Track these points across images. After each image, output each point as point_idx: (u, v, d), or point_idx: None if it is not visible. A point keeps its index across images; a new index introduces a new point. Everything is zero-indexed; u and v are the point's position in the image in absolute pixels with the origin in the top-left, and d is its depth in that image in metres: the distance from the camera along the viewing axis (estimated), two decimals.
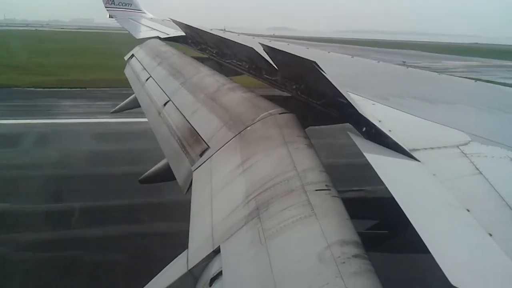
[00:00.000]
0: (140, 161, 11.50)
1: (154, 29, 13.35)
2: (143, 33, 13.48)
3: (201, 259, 2.34)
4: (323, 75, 3.18)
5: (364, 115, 3.02)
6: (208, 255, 2.33)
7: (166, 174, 4.32)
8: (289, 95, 4.74)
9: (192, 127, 4.33)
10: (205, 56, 9.00)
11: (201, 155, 3.71)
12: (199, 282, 2.29)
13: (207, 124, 4.18)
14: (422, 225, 1.78)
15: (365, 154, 2.49)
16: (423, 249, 1.62)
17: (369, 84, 4.91)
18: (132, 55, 10.33)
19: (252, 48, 4.95)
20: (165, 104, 5.51)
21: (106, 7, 18.51)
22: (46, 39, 75.22)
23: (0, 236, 8.85)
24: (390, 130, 2.77)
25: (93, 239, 8.88)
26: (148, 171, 5.14)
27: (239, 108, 4.14)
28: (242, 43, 5.57)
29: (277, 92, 5.15)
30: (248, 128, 3.57)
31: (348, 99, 3.14)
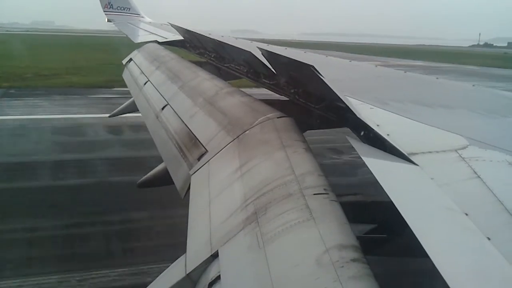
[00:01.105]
0: None
1: (152, 33, 13.35)
2: (142, 37, 13.49)
3: (199, 263, 2.33)
4: (321, 79, 3.18)
5: (363, 119, 3.02)
6: (206, 259, 2.32)
7: (164, 178, 4.31)
8: (287, 99, 4.74)
9: (190, 131, 4.33)
10: (203, 60, 9.01)
11: (199, 159, 3.70)
12: (197, 286, 2.28)
13: (205, 128, 4.17)
14: (421, 229, 1.77)
15: (363, 158, 2.49)
16: (421, 253, 1.62)
17: (368, 88, 4.92)
18: (130, 59, 10.34)
19: (250, 52, 4.95)
20: (163, 108, 5.51)
21: (104, 11, 18.50)
22: None
23: None
24: (388, 134, 2.77)
25: None
26: (146, 175, 5.13)
27: (237, 112, 4.14)
28: (240, 47, 5.58)
29: (275, 96, 5.15)
30: (246, 132, 3.56)
31: (347, 103, 3.14)
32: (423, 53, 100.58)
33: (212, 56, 8.35)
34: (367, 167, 2.39)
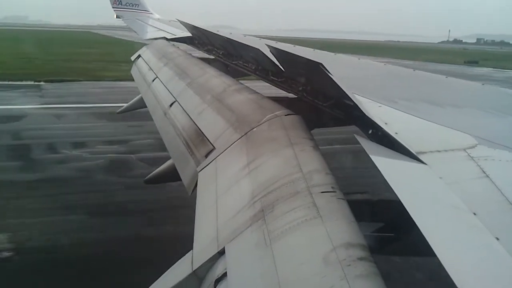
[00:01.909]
0: None
1: (161, 30, 13.37)
2: (150, 33, 13.52)
3: (205, 260, 2.34)
4: (330, 76, 3.17)
5: (371, 117, 3.01)
6: (213, 256, 2.33)
7: (172, 175, 4.33)
8: (295, 96, 4.74)
9: (198, 128, 4.34)
10: (212, 57, 9.02)
11: (206, 156, 3.71)
12: (203, 283, 2.29)
13: (213, 125, 4.18)
14: (428, 228, 1.77)
15: (371, 156, 2.48)
16: (429, 252, 1.62)
17: (376, 86, 4.90)
18: (139, 56, 10.37)
19: (258, 49, 4.95)
20: (171, 105, 5.52)
21: (113, 7, 18.52)
22: None
23: None
24: (396, 133, 2.76)
25: None
26: (154, 172, 5.16)
27: (245, 109, 4.14)
28: (249, 44, 5.58)
29: (283, 93, 5.15)
30: (254, 129, 3.57)
31: (355, 100, 3.13)
32: (380, 49, 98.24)
33: (220, 53, 8.35)
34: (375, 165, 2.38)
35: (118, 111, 11.22)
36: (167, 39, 11.34)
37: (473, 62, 65.76)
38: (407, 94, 4.30)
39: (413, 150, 2.52)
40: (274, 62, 4.68)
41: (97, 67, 37.38)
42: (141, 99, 7.98)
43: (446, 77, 5.75)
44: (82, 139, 15.21)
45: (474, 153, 2.48)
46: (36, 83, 28.08)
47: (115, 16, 18.76)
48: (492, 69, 54.29)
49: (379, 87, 4.77)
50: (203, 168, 3.55)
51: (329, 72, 3.18)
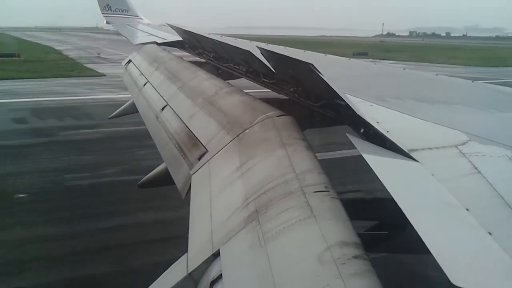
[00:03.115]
0: None
1: (151, 35, 13.34)
2: (140, 38, 13.48)
3: (201, 262, 2.34)
4: (321, 77, 3.18)
5: (362, 117, 3.02)
6: (208, 258, 2.33)
7: (165, 178, 4.31)
8: (287, 97, 4.74)
9: (190, 131, 4.33)
10: (203, 60, 9.01)
11: (199, 158, 3.71)
12: (199, 285, 2.28)
13: (205, 128, 4.18)
14: (422, 225, 1.78)
15: (363, 155, 2.49)
16: (423, 249, 1.62)
17: (367, 85, 4.92)
18: (129, 61, 10.33)
19: (249, 51, 4.95)
20: (162, 109, 5.51)
21: (103, 13, 18.44)
22: None
23: None
24: (388, 131, 2.77)
25: None
26: (147, 176, 5.13)
27: (237, 111, 4.14)
28: (239, 46, 5.58)
29: (275, 95, 5.15)
30: (246, 131, 3.57)
31: (346, 100, 3.14)
32: (298, 43, 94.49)
33: (211, 56, 8.34)
34: (367, 164, 2.39)
35: (109, 116, 11.13)
36: (157, 43, 11.31)
37: (363, 54, 68.13)
38: (398, 93, 4.32)
39: (405, 148, 2.53)
40: (265, 64, 4.68)
41: None
42: (133, 104, 7.95)
43: (436, 74, 5.79)
44: None
45: (465, 150, 2.49)
46: None
47: (104, 22, 18.68)
48: (371, 59, 53.53)
49: (370, 87, 4.79)
50: (196, 171, 3.54)
51: (320, 73, 3.18)
